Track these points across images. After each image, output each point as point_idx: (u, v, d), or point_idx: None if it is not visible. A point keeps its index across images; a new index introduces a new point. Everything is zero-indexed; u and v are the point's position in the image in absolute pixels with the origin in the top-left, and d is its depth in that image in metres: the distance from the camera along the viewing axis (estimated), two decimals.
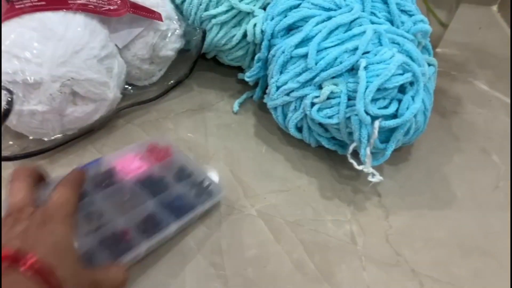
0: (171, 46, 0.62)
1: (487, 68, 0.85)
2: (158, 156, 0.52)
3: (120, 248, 0.42)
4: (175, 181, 0.50)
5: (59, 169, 0.54)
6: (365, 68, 0.48)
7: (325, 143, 0.58)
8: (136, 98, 0.63)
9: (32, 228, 0.34)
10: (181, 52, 0.66)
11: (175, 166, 0.52)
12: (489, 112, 0.75)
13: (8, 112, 0.45)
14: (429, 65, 0.57)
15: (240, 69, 0.70)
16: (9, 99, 0.45)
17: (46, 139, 0.54)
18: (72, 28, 0.49)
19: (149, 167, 0.50)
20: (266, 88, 0.60)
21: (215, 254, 0.49)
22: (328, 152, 0.61)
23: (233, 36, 0.63)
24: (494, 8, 1.06)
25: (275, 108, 0.58)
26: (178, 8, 0.64)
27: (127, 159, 0.51)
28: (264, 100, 0.60)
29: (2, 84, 0.45)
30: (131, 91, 0.64)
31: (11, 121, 0.50)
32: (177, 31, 0.62)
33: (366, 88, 0.48)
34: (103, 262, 0.40)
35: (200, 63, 0.68)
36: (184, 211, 0.47)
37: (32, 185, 0.40)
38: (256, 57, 0.60)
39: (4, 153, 0.51)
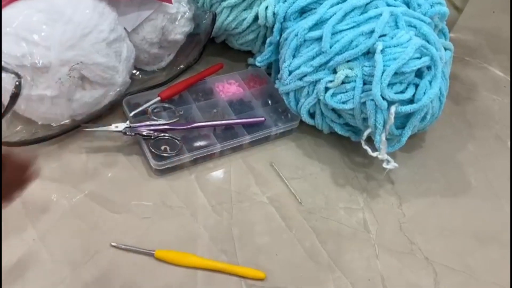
0: (180, 29, 0.61)
1: (501, 53, 0.83)
2: (254, 84, 0.64)
3: (199, 145, 0.54)
4: (261, 105, 0.60)
5: (68, 154, 0.53)
6: (382, 51, 0.47)
7: (338, 130, 0.57)
8: (145, 83, 0.62)
9: None
10: (190, 36, 0.64)
11: (266, 93, 0.62)
12: (504, 98, 0.73)
13: (16, 96, 0.44)
14: (445, 49, 0.55)
15: (250, 54, 0.69)
16: (17, 83, 0.44)
17: (54, 124, 0.53)
18: (80, 10, 0.48)
19: (243, 92, 0.62)
20: (278, 73, 0.59)
21: (226, 241, 0.49)
22: (341, 139, 0.60)
23: (244, 19, 0.61)
24: None
25: (287, 94, 0.56)
26: None
27: (227, 83, 0.63)
28: (276, 85, 0.58)
29: (11, 67, 0.44)
30: (139, 76, 0.63)
31: (20, 106, 0.49)
32: (187, 14, 0.60)
33: (383, 72, 0.46)
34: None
35: (209, 47, 0.67)
36: (258, 130, 0.57)
37: None
38: (267, 41, 0.59)
39: (12, 138, 0.50)
